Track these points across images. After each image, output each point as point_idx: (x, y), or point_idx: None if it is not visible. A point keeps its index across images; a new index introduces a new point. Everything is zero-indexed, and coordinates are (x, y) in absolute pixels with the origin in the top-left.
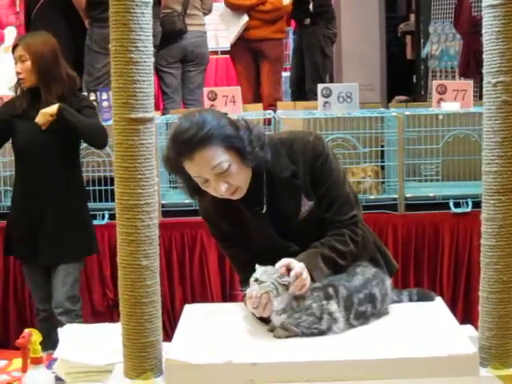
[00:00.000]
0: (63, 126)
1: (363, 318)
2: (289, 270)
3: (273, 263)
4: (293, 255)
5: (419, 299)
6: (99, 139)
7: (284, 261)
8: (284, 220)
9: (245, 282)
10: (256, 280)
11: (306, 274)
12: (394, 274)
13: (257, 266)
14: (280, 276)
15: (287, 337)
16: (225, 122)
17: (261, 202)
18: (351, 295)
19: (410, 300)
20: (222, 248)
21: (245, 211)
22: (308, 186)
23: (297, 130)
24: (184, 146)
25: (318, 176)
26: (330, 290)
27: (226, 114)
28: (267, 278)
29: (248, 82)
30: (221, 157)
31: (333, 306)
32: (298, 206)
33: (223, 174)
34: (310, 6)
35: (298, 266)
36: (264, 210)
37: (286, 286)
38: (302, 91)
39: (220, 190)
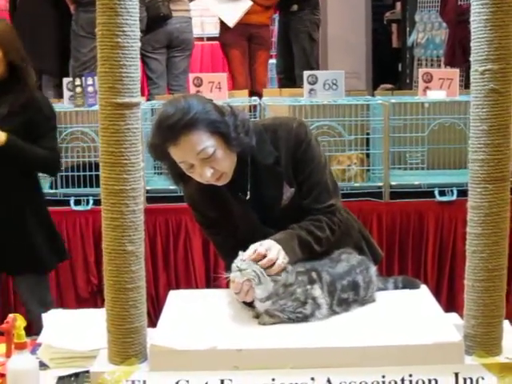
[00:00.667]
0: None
1: (345, 305)
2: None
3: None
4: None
5: (404, 287)
6: (49, 171)
7: (252, 248)
8: (267, 207)
9: (230, 269)
10: (238, 268)
11: (274, 252)
12: (378, 262)
13: (240, 252)
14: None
15: (273, 323)
16: (210, 108)
17: (245, 189)
18: (334, 281)
19: (396, 287)
20: (207, 235)
21: (229, 197)
22: (290, 173)
23: (281, 116)
24: (169, 131)
25: (300, 163)
26: (314, 275)
27: (211, 100)
28: (248, 266)
29: (243, 67)
30: (206, 142)
31: (316, 291)
32: (280, 194)
33: (208, 160)
34: None
35: (265, 244)
36: (248, 197)
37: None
38: (291, 78)
39: (205, 175)
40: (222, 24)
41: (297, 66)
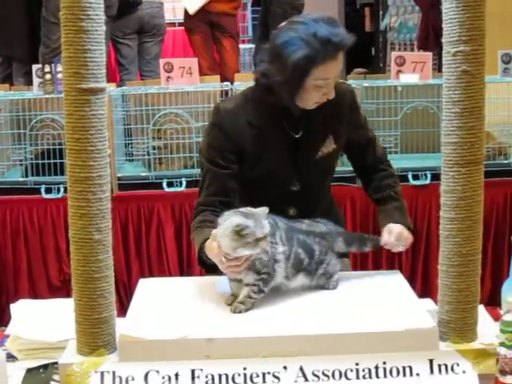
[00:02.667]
0: None
1: (298, 266)
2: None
3: (267, 200)
4: (290, 194)
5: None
6: None
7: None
8: (304, 154)
9: (206, 204)
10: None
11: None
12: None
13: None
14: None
15: (246, 310)
16: None
17: (297, 129)
18: (291, 230)
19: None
20: (209, 165)
21: (272, 133)
22: (341, 129)
23: None
24: (336, 47)
25: (356, 119)
26: (270, 220)
27: None
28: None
29: (206, 52)
30: (342, 63)
31: (277, 239)
32: (320, 144)
33: (334, 79)
34: None
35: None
36: (299, 135)
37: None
38: None
39: (330, 96)
40: (186, 10)
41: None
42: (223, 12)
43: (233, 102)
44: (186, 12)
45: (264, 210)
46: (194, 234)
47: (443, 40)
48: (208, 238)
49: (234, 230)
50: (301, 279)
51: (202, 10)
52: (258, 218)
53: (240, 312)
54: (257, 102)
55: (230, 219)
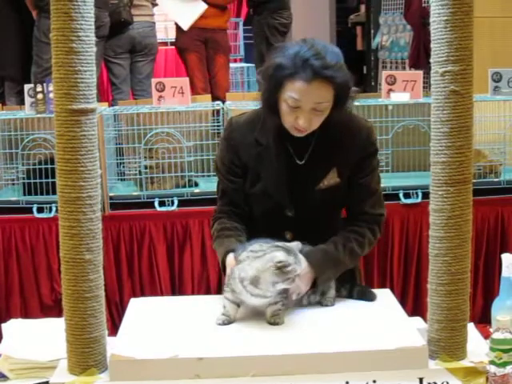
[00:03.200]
0: None
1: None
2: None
3: (263, 219)
4: (284, 219)
5: (360, 298)
6: None
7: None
8: (305, 182)
9: (218, 218)
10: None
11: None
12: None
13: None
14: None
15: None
16: (352, 86)
17: (301, 156)
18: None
19: (350, 296)
20: (221, 177)
21: (275, 155)
22: (346, 166)
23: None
24: (312, 67)
25: (365, 165)
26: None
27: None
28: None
29: (201, 73)
30: (327, 98)
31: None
32: (322, 176)
33: (315, 112)
34: None
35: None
36: (302, 162)
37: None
38: None
39: (303, 122)
40: (178, 28)
41: (257, 71)
42: (218, 27)
43: (245, 117)
44: (178, 31)
45: (297, 244)
46: (215, 244)
47: (431, 60)
48: (229, 250)
49: (276, 266)
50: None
51: (197, 28)
52: (296, 254)
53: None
54: (265, 121)
55: (272, 254)
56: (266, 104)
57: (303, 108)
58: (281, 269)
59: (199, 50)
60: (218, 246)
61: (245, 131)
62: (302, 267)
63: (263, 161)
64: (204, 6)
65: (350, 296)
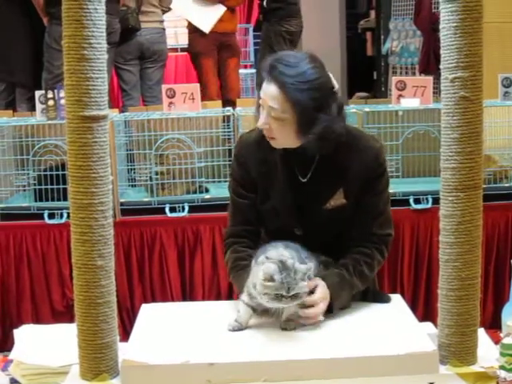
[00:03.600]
0: None
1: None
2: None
3: (272, 236)
4: (293, 237)
5: (375, 300)
6: None
7: (313, 282)
8: (310, 200)
9: (231, 236)
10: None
11: (322, 307)
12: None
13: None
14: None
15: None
16: (317, 96)
17: (305, 173)
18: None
19: (364, 298)
20: (232, 193)
21: (283, 172)
22: (353, 187)
23: (366, 132)
24: (272, 69)
25: (373, 185)
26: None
27: (335, 89)
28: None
29: (215, 77)
30: (282, 108)
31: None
32: (328, 196)
33: (273, 118)
34: (264, 3)
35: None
36: (305, 180)
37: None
38: None
39: (260, 121)
40: (194, 33)
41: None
42: (231, 31)
43: (254, 134)
44: (193, 36)
45: (308, 267)
46: (231, 276)
47: (441, 66)
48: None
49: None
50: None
51: (214, 32)
52: (291, 272)
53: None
54: None
55: (265, 265)
56: (256, 110)
57: (264, 108)
58: (264, 281)
59: (213, 54)
60: (235, 280)
61: (254, 148)
62: (297, 288)
63: (271, 178)
64: (223, 9)
65: (364, 299)
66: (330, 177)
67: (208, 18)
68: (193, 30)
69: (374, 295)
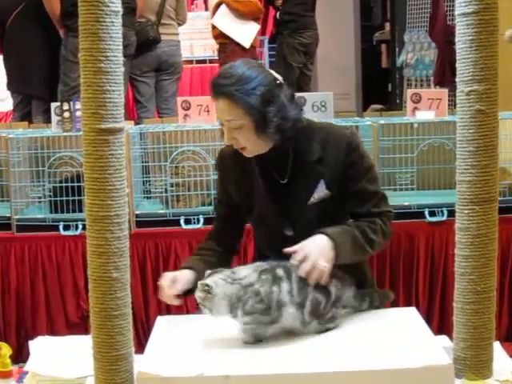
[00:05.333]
0: None
1: (319, 312)
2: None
3: (266, 242)
4: (285, 239)
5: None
6: None
7: (295, 246)
8: (294, 199)
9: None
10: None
11: (314, 256)
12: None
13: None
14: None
15: (255, 341)
16: (261, 91)
17: (283, 174)
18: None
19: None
20: (217, 203)
21: (259, 178)
22: (334, 177)
23: (335, 124)
24: (212, 87)
25: (354, 171)
26: (280, 271)
27: (278, 80)
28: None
29: None
30: (236, 116)
31: (283, 288)
32: (311, 191)
33: (233, 130)
34: (277, 15)
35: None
36: (285, 181)
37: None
38: None
39: (225, 139)
40: (237, 46)
41: None
42: (256, 45)
43: (232, 147)
44: (238, 48)
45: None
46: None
47: (457, 79)
48: (185, 267)
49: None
50: (314, 324)
51: (250, 46)
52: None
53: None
54: None
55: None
56: (221, 134)
57: (224, 125)
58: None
59: None
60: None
61: (231, 161)
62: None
63: (252, 187)
64: (257, 27)
65: (371, 307)
66: (308, 172)
67: (247, 34)
68: (233, 44)
69: (378, 294)
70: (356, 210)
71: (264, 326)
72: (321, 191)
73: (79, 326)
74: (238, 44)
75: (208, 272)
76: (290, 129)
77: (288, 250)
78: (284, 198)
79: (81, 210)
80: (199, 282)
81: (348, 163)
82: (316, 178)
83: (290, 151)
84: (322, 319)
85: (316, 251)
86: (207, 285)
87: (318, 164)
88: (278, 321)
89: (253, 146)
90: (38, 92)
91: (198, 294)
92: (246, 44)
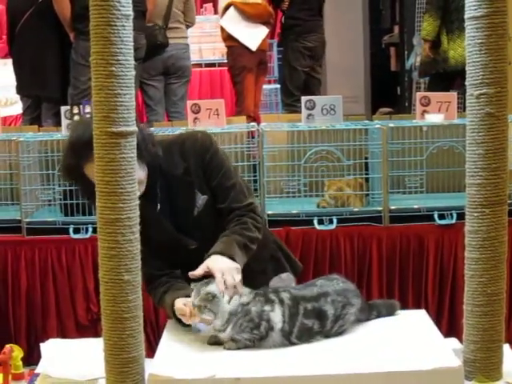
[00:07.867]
0: None
1: (307, 336)
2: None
3: (174, 260)
4: (192, 252)
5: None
6: None
7: (201, 268)
8: (179, 216)
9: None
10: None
11: (229, 276)
12: (298, 273)
13: (192, 284)
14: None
15: (237, 348)
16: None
17: (155, 200)
18: (296, 304)
19: (378, 316)
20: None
21: (142, 208)
22: (201, 181)
23: (186, 131)
24: (84, 149)
25: (209, 169)
26: (272, 296)
27: None
28: (201, 301)
29: (253, 94)
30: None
31: (275, 312)
32: (192, 202)
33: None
34: (282, 19)
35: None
36: (158, 208)
37: (213, 296)
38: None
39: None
40: (244, 49)
41: (281, 93)
42: (266, 48)
43: None
44: (245, 50)
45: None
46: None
47: (466, 83)
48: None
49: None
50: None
51: (259, 50)
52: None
53: (230, 349)
54: None
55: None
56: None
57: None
58: None
59: (254, 71)
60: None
61: None
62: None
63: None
64: (266, 30)
65: (379, 316)
66: (179, 187)
67: (255, 37)
68: (241, 47)
69: (385, 306)
70: (219, 206)
71: (250, 343)
72: (199, 199)
73: (89, 329)
74: (245, 47)
75: (203, 281)
76: (154, 142)
77: (194, 273)
78: (172, 219)
79: (91, 213)
80: (202, 291)
81: (206, 164)
82: (190, 190)
83: (158, 173)
84: (326, 334)
85: (226, 269)
86: (209, 292)
87: (185, 175)
88: (263, 342)
89: (143, 174)
90: (49, 95)
91: (199, 303)
92: (253, 47)
